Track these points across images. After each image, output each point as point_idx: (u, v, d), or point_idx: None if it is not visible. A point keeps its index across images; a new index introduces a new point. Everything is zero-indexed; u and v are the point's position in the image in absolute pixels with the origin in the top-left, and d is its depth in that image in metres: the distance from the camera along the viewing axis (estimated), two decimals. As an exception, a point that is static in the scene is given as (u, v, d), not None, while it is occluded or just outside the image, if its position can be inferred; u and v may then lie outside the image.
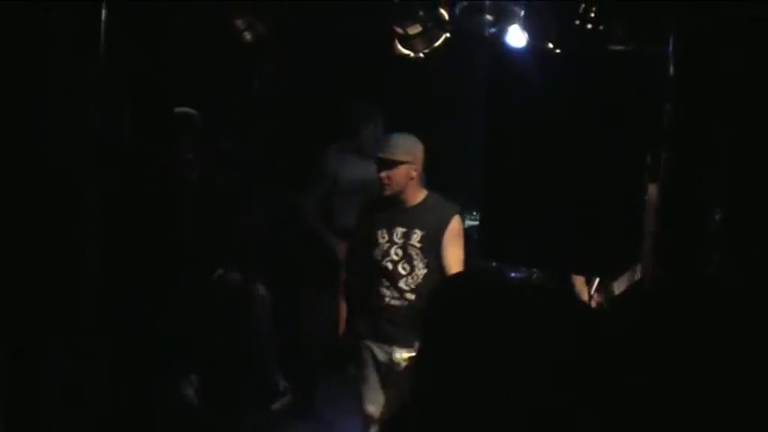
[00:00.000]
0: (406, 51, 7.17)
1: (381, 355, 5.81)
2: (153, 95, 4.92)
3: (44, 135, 4.52)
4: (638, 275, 5.93)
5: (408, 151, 5.86)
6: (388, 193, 5.82)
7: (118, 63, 4.64)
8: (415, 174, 5.84)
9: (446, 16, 7.04)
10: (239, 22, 6.95)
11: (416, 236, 5.76)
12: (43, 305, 4.58)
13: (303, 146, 7.74)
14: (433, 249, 5.77)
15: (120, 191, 4.78)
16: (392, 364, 5.75)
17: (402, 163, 5.78)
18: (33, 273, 4.57)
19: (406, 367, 5.66)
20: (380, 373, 5.83)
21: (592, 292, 6.21)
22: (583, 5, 6.55)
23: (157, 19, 4.96)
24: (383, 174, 5.81)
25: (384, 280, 5.81)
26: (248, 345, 7.27)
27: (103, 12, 4.57)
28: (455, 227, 5.82)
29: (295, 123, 8.10)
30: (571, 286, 6.15)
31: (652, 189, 5.29)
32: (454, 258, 5.75)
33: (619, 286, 6.11)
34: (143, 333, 5.01)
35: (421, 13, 6.99)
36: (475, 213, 7.47)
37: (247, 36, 7.00)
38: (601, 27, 6.52)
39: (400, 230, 5.80)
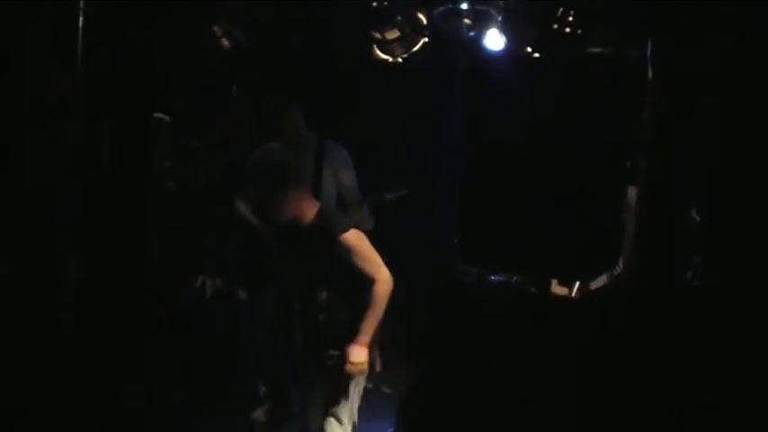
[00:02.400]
0: (384, 56, 7.17)
1: (306, 365, 5.82)
2: (130, 105, 4.90)
3: (20, 148, 4.50)
4: (617, 270, 5.95)
5: (290, 167, 5.74)
6: (281, 222, 5.64)
7: (95, 73, 4.62)
8: (301, 194, 5.63)
9: (424, 21, 7.04)
10: (216, 29, 6.94)
11: (314, 251, 5.57)
12: (22, 319, 4.57)
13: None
14: (332, 262, 5.57)
15: (97, 202, 4.76)
16: (319, 369, 5.75)
17: (286, 193, 5.55)
18: (11, 285, 4.55)
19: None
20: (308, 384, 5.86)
21: (573, 294, 6.23)
22: (561, 9, 6.55)
23: (134, 27, 4.94)
24: (267, 213, 5.68)
25: (295, 297, 5.76)
26: (229, 352, 7.25)
27: (80, 21, 4.55)
28: (352, 241, 5.53)
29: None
30: (549, 288, 6.17)
31: (632, 192, 5.31)
32: (371, 264, 5.53)
33: (596, 282, 6.12)
34: (123, 342, 5.00)
35: (399, 17, 6.99)
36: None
37: (225, 42, 6.99)
38: (579, 30, 6.53)
39: (301, 247, 5.64)
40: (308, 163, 6.84)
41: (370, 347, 5.58)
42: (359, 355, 5.49)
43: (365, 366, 5.54)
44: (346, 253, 5.48)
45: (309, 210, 5.60)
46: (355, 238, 5.54)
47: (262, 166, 6.35)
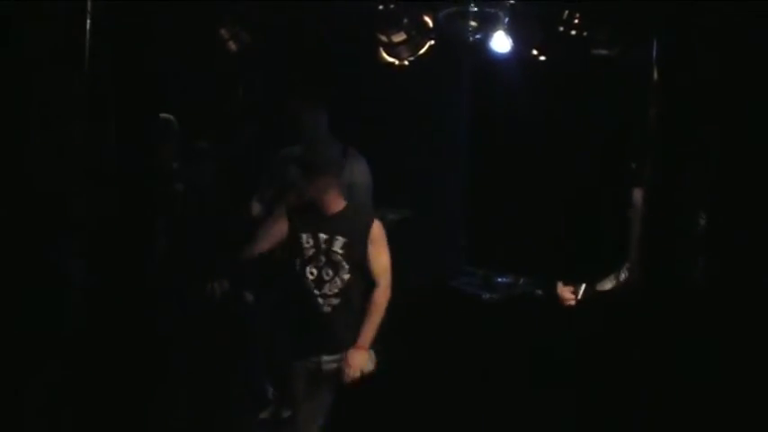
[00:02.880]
0: (390, 59, 7.17)
1: (307, 369, 5.80)
2: (137, 106, 4.91)
3: (28, 149, 4.50)
4: (624, 275, 5.95)
5: (331, 158, 5.95)
6: (306, 198, 5.82)
7: (102, 74, 4.63)
8: (335, 183, 5.82)
9: (430, 23, 7.03)
10: (224, 32, 6.95)
11: (339, 242, 5.74)
12: (31, 320, 4.57)
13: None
14: (356, 255, 5.75)
15: (104, 202, 4.77)
16: (320, 373, 5.74)
17: (327, 171, 5.79)
18: (19, 287, 4.57)
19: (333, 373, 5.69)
20: (308, 388, 5.82)
21: (579, 297, 6.23)
22: (567, 11, 6.55)
23: (142, 28, 4.95)
24: (304, 180, 5.81)
25: (308, 287, 5.77)
26: (237, 352, 7.26)
27: (88, 23, 4.56)
28: (377, 232, 5.81)
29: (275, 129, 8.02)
30: (556, 290, 6.17)
31: (638, 194, 5.31)
32: (381, 265, 5.78)
33: (602, 285, 6.11)
34: (130, 341, 5.00)
35: (405, 20, 6.99)
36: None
37: (232, 45, 6.99)
38: (585, 33, 6.52)
39: (323, 236, 5.75)
40: None
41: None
42: (358, 359, 5.58)
43: (363, 370, 5.62)
44: (369, 243, 5.69)
45: (335, 202, 5.76)
46: (380, 231, 5.78)
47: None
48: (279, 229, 5.88)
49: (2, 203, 4.53)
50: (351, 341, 5.66)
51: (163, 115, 6.59)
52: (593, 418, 5.36)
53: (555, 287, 6.05)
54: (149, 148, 5.13)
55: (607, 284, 6.01)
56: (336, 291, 5.71)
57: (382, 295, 5.68)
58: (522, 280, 7.18)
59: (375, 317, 5.65)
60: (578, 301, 6.21)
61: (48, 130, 4.54)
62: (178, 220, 6.68)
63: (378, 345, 5.78)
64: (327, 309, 5.71)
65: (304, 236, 5.79)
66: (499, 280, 7.29)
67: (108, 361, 4.91)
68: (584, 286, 6.15)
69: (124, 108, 4.82)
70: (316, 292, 5.74)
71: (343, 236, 5.73)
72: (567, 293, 6.23)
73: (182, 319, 6.56)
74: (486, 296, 7.12)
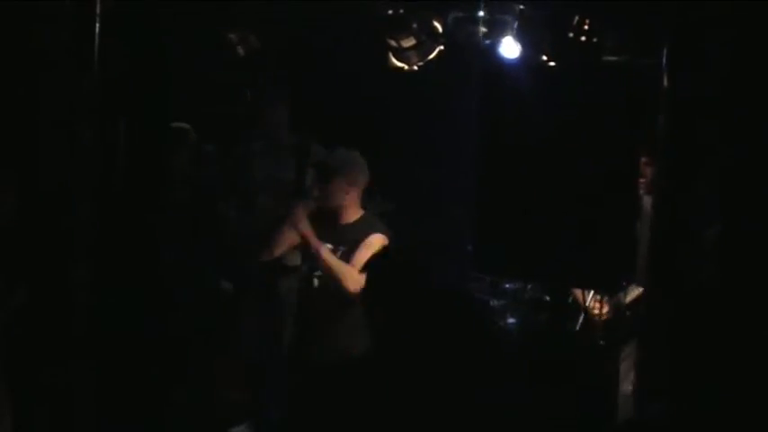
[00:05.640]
0: (400, 64, 7.18)
1: None
2: (148, 109, 4.91)
3: (37, 150, 4.51)
4: (636, 289, 5.93)
5: (348, 163, 5.65)
6: (320, 204, 5.61)
7: (112, 77, 4.63)
8: (352, 191, 5.60)
9: (440, 28, 7.05)
10: (233, 36, 6.95)
11: (338, 252, 5.54)
12: (34, 319, 4.58)
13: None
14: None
15: (114, 206, 4.77)
16: None
17: (340, 175, 5.57)
18: (25, 287, 4.58)
19: None
20: None
21: (587, 303, 6.22)
22: (577, 17, 6.55)
23: (151, 32, 4.95)
24: (318, 184, 5.62)
25: (311, 295, 5.65)
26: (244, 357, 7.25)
27: (97, 26, 4.56)
28: (372, 239, 5.51)
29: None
30: (567, 297, 6.15)
31: (647, 201, 5.31)
32: (358, 262, 5.44)
33: (629, 296, 6.10)
34: (137, 343, 5.00)
35: (415, 25, 7.00)
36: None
37: (240, 50, 7.00)
38: (594, 39, 6.53)
39: (328, 246, 5.54)
40: (288, 164, 6.72)
41: None
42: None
43: None
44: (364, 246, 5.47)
45: (352, 210, 5.60)
46: (376, 240, 5.53)
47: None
48: (292, 236, 5.69)
49: (10, 205, 4.53)
50: (352, 347, 5.55)
51: (180, 124, 6.58)
52: (596, 422, 5.35)
53: (564, 293, 6.04)
54: (158, 150, 5.12)
55: (633, 294, 5.99)
56: (338, 300, 5.51)
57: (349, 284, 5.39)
58: (529, 286, 7.19)
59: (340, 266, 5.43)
60: (586, 307, 6.20)
61: (56, 133, 4.54)
62: (185, 222, 6.68)
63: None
64: (328, 317, 5.58)
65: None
66: (507, 286, 7.30)
67: (113, 363, 4.90)
68: (591, 292, 6.14)
69: (133, 110, 4.82)
70: (318, 300, 5.62)
71: (345, 245, 5.55)
72: (575, 297, 6.23)
73: (188, 321, 6.56)
74: (494, 302, 7.13)
